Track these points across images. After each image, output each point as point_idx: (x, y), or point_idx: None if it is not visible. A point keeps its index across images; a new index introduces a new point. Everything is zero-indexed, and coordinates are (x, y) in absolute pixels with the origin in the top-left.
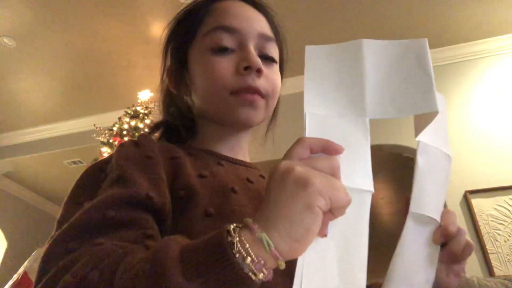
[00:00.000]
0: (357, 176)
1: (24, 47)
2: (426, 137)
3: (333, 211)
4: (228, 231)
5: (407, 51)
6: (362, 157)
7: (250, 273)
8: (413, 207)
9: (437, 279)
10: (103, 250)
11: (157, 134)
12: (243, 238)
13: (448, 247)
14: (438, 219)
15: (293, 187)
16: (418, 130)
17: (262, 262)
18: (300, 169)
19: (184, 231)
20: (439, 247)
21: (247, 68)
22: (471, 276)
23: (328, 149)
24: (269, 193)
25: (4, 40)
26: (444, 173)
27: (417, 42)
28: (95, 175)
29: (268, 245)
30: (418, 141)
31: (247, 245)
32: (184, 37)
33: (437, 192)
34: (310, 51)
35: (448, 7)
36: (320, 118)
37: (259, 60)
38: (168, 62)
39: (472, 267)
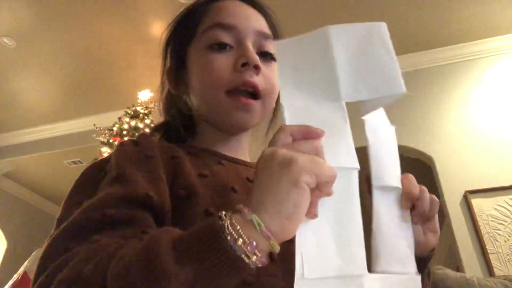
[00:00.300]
0: (341, 155)
1: (24, 47)
2: (370, 115)
3: (320, 188)
4: (220, 217)
5: (372, 34)
6: (343, 138)
7: (242, 255)
8: (375, 181)
9: (416, 241)
10: (99, 245)
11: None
12: (234, 221)
13: (416, 208)
14: (400, 185)
15: (278, 168)
16: (368, 109)
17: (254, 243)
18: (283, 151)
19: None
20: (408, 211)
21: (244, 64)
22: (471, 276)
23: (309, 134)
24: (256, 178)
25: (4, 40)
26: (393, 142)
27: (378, 25)
28: (95, 175)
29: (259, 225)
30: (364, 120)
31: (238, 227)
32: (182, 37)
33: (392, 161)
34: (280, 45)
35: (448, 7)
36: (298, 108)
37: (256, 57)
38: (168, 64)
39: (472, 267)
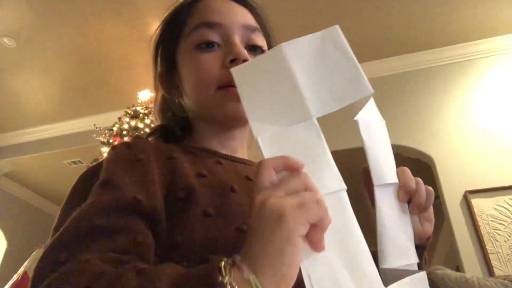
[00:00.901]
0: (326, 180)
1: (24, 47)
2: (362, 113)
3: (319, 224)
4: (220, 269)
5: (325, 42)
6: (323, 158)
7: None
8: (376, 181)
9: (414, 231)
10: (92, 271)
11: (151, 139)
12: (232, 280)
13: (413, 201)
14: (396, 180)
15: (269, 223)
16: (356, 111)
17: None
18: (272, 201)
19: (183, 232)
20: (406, 203)
21: (233, 60)
22: (471, 276)
23: (289, 168)
24: (251, 230)
25: (4, 40)
26: (385, 136)
27: (330, 30)
28: (89, 180)
29: (256, 286)
30: (358, 120)
31: (236, 287)
32: (170, 40)
33: (387, 157)
34: (237, 73)
35: (448, 7)
36: (271, 135)
37: (245, 52)
38: (159, 68)
39: (472, 267)
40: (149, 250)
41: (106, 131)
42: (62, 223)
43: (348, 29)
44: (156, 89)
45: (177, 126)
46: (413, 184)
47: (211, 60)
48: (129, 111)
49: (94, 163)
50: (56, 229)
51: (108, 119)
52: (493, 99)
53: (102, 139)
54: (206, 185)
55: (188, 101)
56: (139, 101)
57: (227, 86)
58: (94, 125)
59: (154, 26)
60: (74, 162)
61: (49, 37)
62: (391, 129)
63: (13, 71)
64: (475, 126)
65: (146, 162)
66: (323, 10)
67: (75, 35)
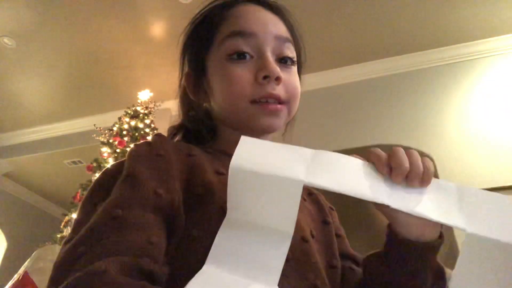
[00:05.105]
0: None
1: (24, 47)
2: None
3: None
4: None
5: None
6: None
7: None
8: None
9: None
10: (105, 284)
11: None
12: None
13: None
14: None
15: None
16: None
17: None
18: None
19: (199, 226)
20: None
21: (266, 77)
22: None
23: None
24: None
25: (4, 40)
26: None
27: None
28: (114, 176)
29: None
30: None
31: None
32: (200, 44)
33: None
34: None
35: (448, 7)
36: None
37: (277, 69)
38: (186, 69)
39: None
40: (159, 252)
41: (106, 131)
42: (82, 216)
43: (348, 29)
44: (179, 87)
45: (204, 129)
46: (404, 166)
47: (243, 74)
48: (129, 111)
49: (116, 163)
50: (78, 222)
51: (108, 119)
52: (493, 99)
53: (102, 139)
54: (224, 183)
55: (216, 107)
56: (139, 101)
57: (261, 100)
58: (94, 125)
59: (154, 26)
60: (74, 162)
61: (49, 37)
62: (391, 129)
63: (13, 71)
64: (475, 126)
65: (166, 158)
66: (322, 9)
67: (75, 35)
